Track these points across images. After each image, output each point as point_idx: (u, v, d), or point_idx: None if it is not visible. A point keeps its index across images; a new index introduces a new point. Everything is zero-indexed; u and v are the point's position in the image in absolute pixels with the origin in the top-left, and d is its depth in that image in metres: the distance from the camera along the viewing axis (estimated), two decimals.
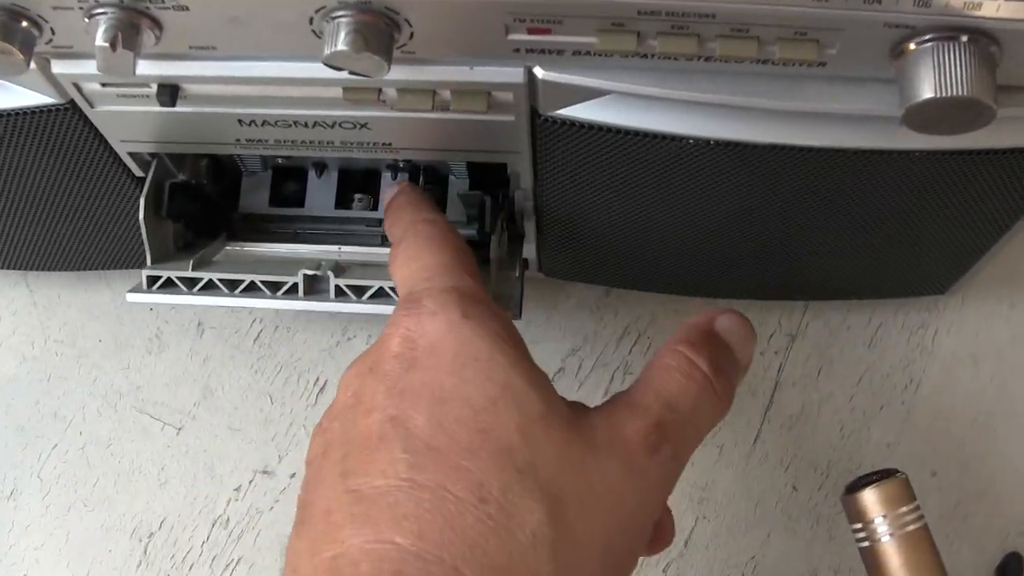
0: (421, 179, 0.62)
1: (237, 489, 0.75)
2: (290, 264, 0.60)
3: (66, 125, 0.55)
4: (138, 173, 0.60)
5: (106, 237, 0.67)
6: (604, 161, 0.54)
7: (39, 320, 0.78)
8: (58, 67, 0.50)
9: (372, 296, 0.58)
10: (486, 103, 0.50)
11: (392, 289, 0.57)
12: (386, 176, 0.63)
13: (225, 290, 0.59)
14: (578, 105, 0.50)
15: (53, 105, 0.53)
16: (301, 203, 0.65)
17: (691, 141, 0.51)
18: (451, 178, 0.63)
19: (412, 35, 0.45)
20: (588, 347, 0.76)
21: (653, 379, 0.50)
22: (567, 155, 0.54)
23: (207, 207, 0.64)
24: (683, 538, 0.72)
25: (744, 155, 0.52)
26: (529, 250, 0.67)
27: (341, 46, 0.43)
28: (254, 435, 0.75)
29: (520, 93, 0.49)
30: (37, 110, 0.53)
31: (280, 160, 0.64)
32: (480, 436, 0.44)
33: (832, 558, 0.72)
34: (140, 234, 0.60)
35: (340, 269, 0.59)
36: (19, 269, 0.74)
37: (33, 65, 0.47)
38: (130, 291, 0.59)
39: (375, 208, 0.64)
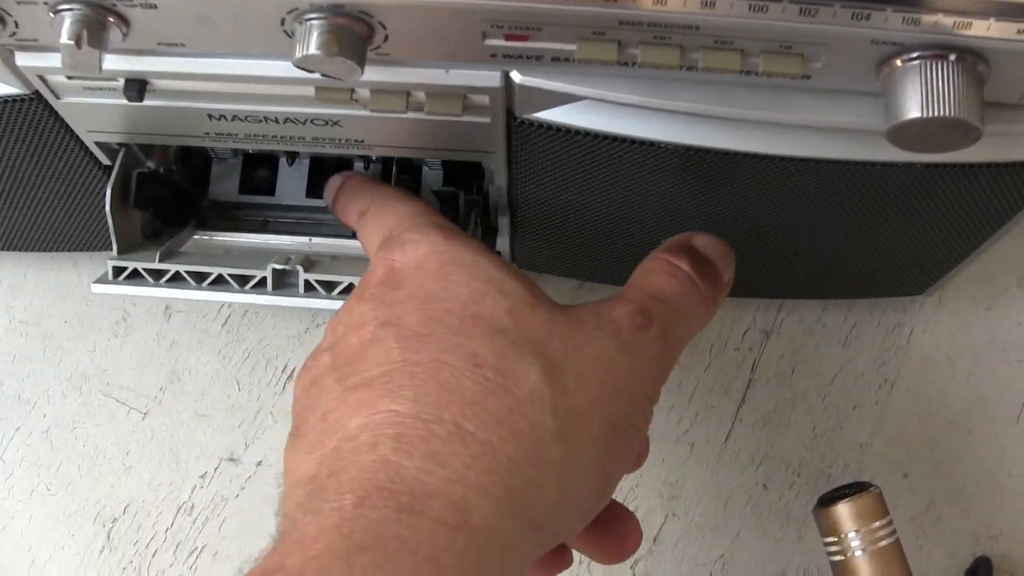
0: (395, 169, 0.61)
1: (202, 476, 0.74)
2: (259, 256, 0.59)
3: (31, 115, 0.54)
4: (105, 162, 0.59)
5: (73, 222, 0.66)
6: (578, 162, 0.53)
7: (4, 300, 0.77)
8: (22, 59, 0.49)
9: (342, 292, 0.57)
10: (461, 106, 0.49)
11: None
12: (358, 166, 0.62)
13: (192, 283, 0.58)
14: (555, 109, 0.49)
15: (18, 95, 0.52)
16: (272, 191, 0.64)
17: (667, 147, 0.50)
18: (424, 169, 0.62)
19: (387, 38, 0.44)
20: None
21: (636, 280, 0.50)
22: (542, 156, 0.53)
23: (175, 195, 0.63)
24: (652, 535, 0.72)
25: (720, 161, 0.51)
26: (502, 243, 0.66)
27: (313, 49, 0.42)
28: (220, 422, 0.75)
29: (497, 97, 0.48)
30: (1, 100, 0.52)
31: (251, 148, 0.62)
32: (471, 320, 0.45)
33: (801, 558, 0.71)
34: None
35: (310, 263, 0.58)
36: None
37: None
38: (95, 281, 0.58)
39: None
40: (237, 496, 0.73)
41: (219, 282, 0.58)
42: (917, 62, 0.42)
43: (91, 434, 0.75)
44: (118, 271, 0.58)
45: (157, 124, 0.54)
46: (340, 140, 0.54)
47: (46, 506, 0.74)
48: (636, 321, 0.47)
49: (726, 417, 0.74)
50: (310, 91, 0.50)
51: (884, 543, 0.55)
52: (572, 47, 0.44)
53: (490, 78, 0.47)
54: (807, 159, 0.50)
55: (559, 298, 0.44)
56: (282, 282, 0.58)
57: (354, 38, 0.43)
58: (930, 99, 0.41)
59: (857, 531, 0.55)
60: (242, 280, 0.58)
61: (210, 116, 0.52)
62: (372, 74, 0.47)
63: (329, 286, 0.57)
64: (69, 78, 0.51)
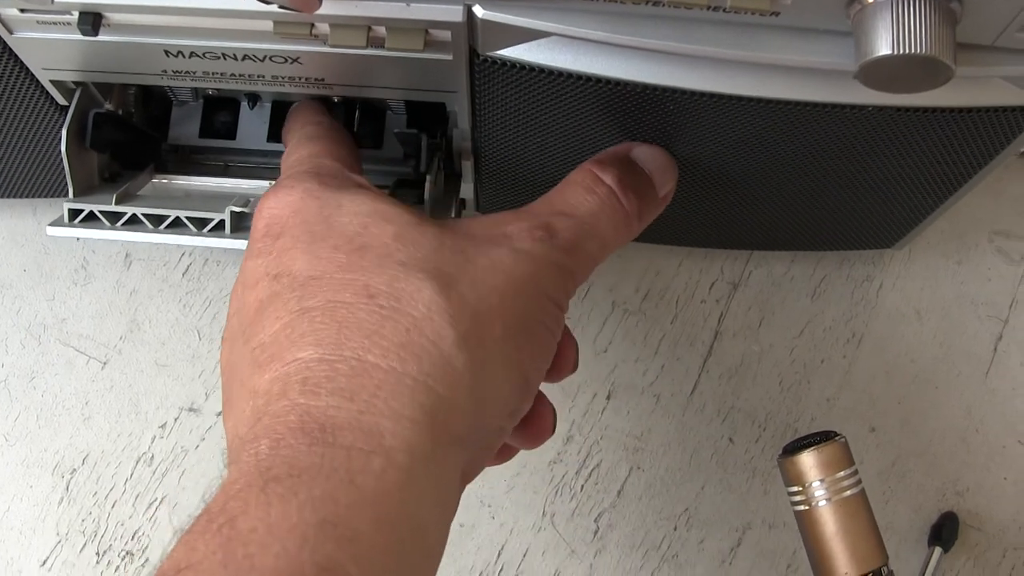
0: (357, 113, 0.60)
1: (162, 426, 0.73)
2: (218, 199, 0.59)
3: None
4: (62, 101, 0.58)
5: (30, 167, 0.64)
6: (543, 102, 0.52)
7: None
8: None
9: None
10: (423, 41, 0.48)
11: None
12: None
13: (149, 225, 0.57)
14: (518, 46, 0.48)
15: None
16: (233, 135, 0.63)
17: (633, 86, 0.49)
18: (388, 113, 0.61)
19: None
20: None
21: (552, 194, 0.51)
22: (506, 96, 0.52)
23: (134, 138, 0.62)
24: (616, 488, 0.71)
25: (687, 102, 0.50)
26: (467, 190, 0.65)
27: None
28: (181, 371, 0.74)
29: (459, 32, 0.47)
30: None
31: (212, 91, 0.61)
32: (358, 252, 0.45)
33: (767, 512, 0.71)
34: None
35: None
36: None
37: None
38: (51, 224, 0.57)
39: None
40: (197, 447, 0.72)
41: (177, 225, 0.57)
42: None
43: (50, 384, 0.74)
44: (74, 213, 0.57)
45: (113, 61, 0.53)
46: (300, 79, 0.53)
47: (4, 457, 0.72)
48: (535, 233, 0.48)
49: (692, 369, 0.73)
50: (269, 26, 0.48)
51: (849, 493, 0.54)
52: None
53: (452, 12, 0.46)
54: (774, 100, 0.49)
55: None
56: (240, 225, 0.57)
57: None
58: (901, 36, 0.40)
59: (822, 480, 0.54)
60: (200, 223, 0.56)
61: (167, 52, 0.51)
62: (331, 7, 0.46)
63: None
64: (22, 11, 0.49)
